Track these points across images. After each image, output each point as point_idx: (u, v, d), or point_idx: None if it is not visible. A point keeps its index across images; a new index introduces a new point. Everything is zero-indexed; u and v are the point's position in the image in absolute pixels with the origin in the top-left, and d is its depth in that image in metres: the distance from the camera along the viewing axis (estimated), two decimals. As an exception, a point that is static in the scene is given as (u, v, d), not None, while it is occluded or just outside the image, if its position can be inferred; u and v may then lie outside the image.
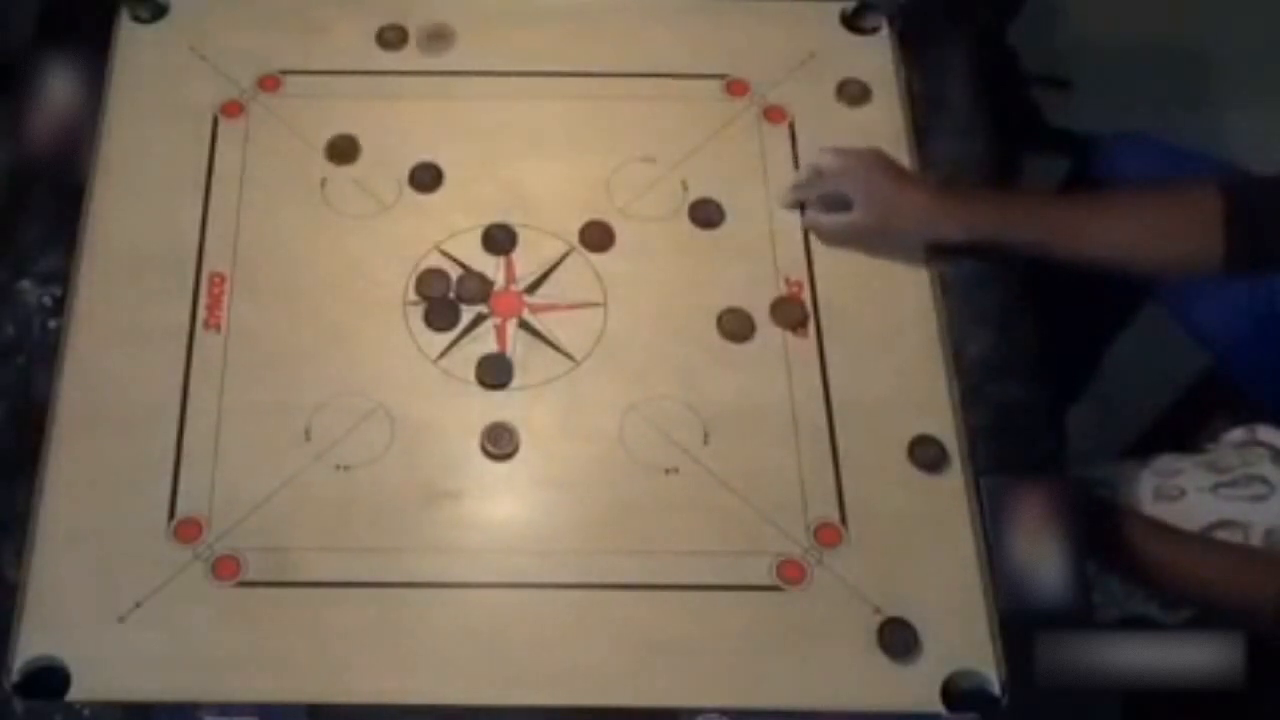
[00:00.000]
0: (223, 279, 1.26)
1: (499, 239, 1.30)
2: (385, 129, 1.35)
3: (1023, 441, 1.21)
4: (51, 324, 1.22)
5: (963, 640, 1.12)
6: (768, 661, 1.11)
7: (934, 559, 1.15)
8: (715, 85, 1.40)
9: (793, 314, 1.27)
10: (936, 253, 1.29)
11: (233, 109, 1.35)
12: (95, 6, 1.41)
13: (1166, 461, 1.36)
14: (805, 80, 1.40)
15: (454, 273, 1.28)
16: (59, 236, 1.27)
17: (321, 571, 1.13)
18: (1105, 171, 1.54)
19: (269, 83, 1.37)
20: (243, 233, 1.29)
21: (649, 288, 1.28)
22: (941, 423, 1.22)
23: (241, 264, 1.27)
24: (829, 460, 1.19)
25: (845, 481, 1.18)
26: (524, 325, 1.26)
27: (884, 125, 1.38)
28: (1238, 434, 1.39)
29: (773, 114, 1.38)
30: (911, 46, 1.42)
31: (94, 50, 1.38)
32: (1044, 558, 1.14)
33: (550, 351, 1.24)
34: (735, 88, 1.40)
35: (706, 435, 1.20)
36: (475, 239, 1.30)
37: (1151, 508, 1.30)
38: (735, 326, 1.26)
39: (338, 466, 1.18)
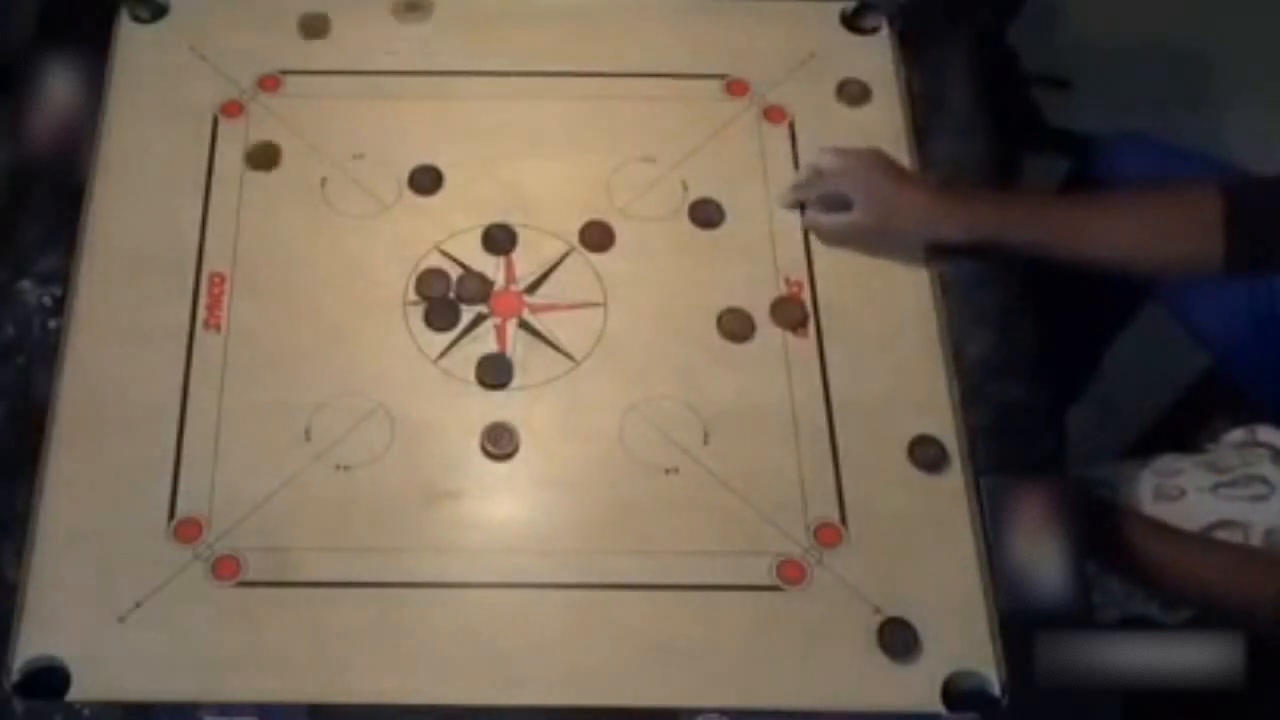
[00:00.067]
0: (223, 279, 1.26)
1: (499, 239, 1.30)
2: (385, 129, 1.35)
3: (1023, 441, 1.21)
4: (51, 324, 1.22)
5: (963, 640, 1.12)
6: (768, 661, 1.11)
7: (934, 559, 1.15)
8: (715, 85, 1.40)
9: (793, 314, 1.27)
10: (936, 253, 1.29)
11: (233, 109, 1.35)
12: (95, 6, 1.41)
13: (1166, 462, 1.36)
14: (805, 80, 1.40)
15: (454, 273, 1.28)
16: (59, 236, 1.27)
17: (321, 571, 1.13)
18: (1105, 171, 1.54)
19: (269, 83, 1.37)
20: (243, 233, 1.29)
21: (649, 288, 1.28)
22: (941, 423, 1.22)
23: (241, 264, 1.27)
24: (829, 460, 1.19)
25: (845, 481, 1.18)
26: (524, 325, 1.26)
27: (884, 125, 1.38)
28: (1238, 434, 1.39)
29: (773, 114, 1.38)
30: (911, 46, 1.42)
31: (94, 50, 1.38)
32: (1044, 558, 1.14)
33: (550, 351, 1.24)
34: (735, 88, 1.40)
35: (706, 435, 1.20)
36: (475, 239, 1.30)
37: (1151, 508, 1.30)
38: (735, 326, 1.26)
39: (338, 466, 1.18)
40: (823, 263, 1.30)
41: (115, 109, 1.35)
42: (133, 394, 1.20)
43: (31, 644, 1.08)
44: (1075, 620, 1.12)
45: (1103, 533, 1.20)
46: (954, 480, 1.19)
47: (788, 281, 1.29)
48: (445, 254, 1.29)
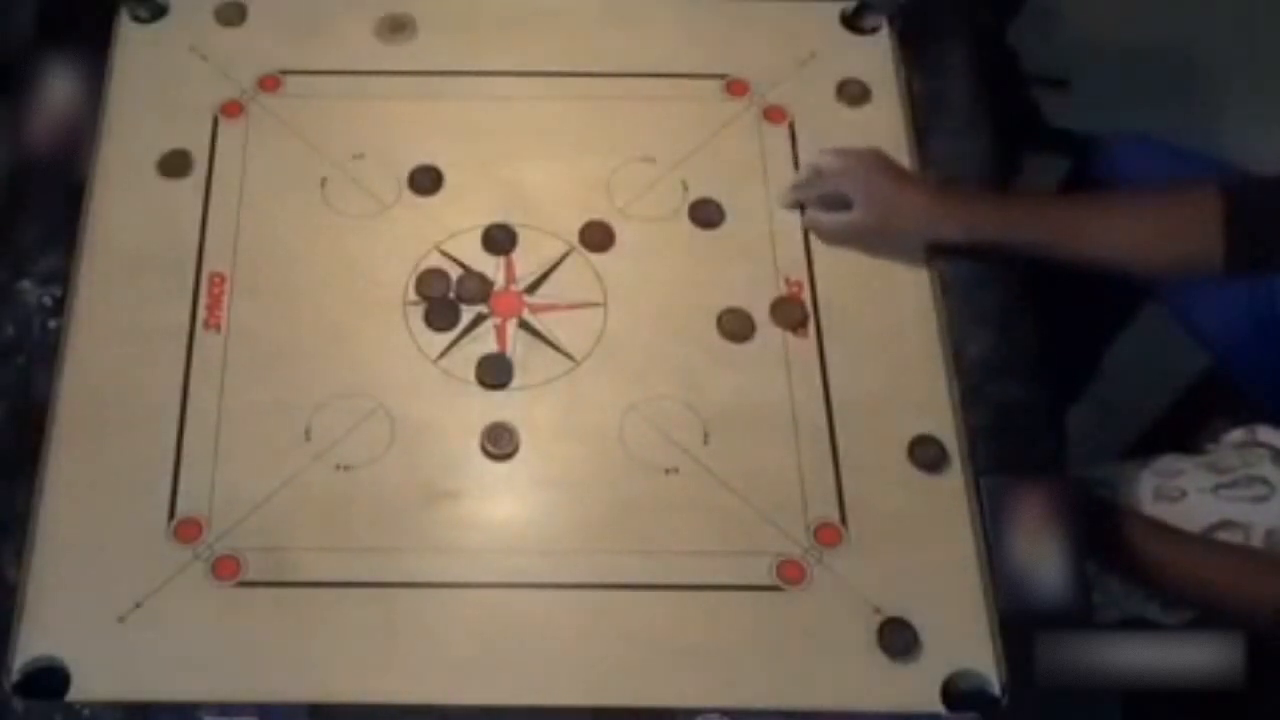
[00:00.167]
0: (223, 279, 1.26)
1: (499, 239, 1.30)
2: (385, 128, 1.35)
3: (1023, 441, 1.21)
4: (51, 324, 1.22)
5: (963, 640, 1.12)
6: (768, 661, 1.11)
7: (934, 559, 1.15)
8: (715, 85, 1.40)
9: (793, 314, 1.27)
10: (936, 253, 1.29)
11: (233, 109, 1.35)
12: (95, 6, 1.41)
13: (1167, 462, 1.36)
14: (805, 80, 1.40)
15: (454, 273, 1.28)
16: (59, 236, 1.27)
17: (321, 571, 1.13)
18: (1105, 171, 1.54)
19: (269, 83, 1.37)
20: (243, 233, 1.29)
21: (649, 288, 1.28)
22: (941, 423, 1.22)
23: (241, 264, 1.27)
24: (829, 460, 1.19)
25: (845, 481, 1.19)
26: (524, 325, 1.26)
27: (884, 125, 1.38)
28: (1238, 435, 1.39)
29: (773, 114, 1.38)
30: (911, 46, 1.42)
31: (94, 50, 1.38)
32: (1044, 558, 1.14)
33: (550, 351, 1.24)
34: (735, 88, 1.40)
35: (706, 435, 1.20)
36: (475, 239, 1.30)
37: (1152, 508, 1.30)
38: (735, 326, 1.26)
39: (338, 466, 1.18)
40: (823, 263, 1.30)
41: (115, 109, 1.35)
42: (133, 394, 1.20)
43: (31, 644, 1.08)
44: (1075, 620, 1.12)
45: (1103, 533, 1.20)
46: (954, 480, 1.19)
47: (788, 281, 1.29)
48: (445, 254, 1.29)
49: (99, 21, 1.40)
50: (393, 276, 1.27)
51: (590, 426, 1.21)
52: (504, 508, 1.18)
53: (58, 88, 1.34)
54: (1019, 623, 1.11)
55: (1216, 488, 1.31)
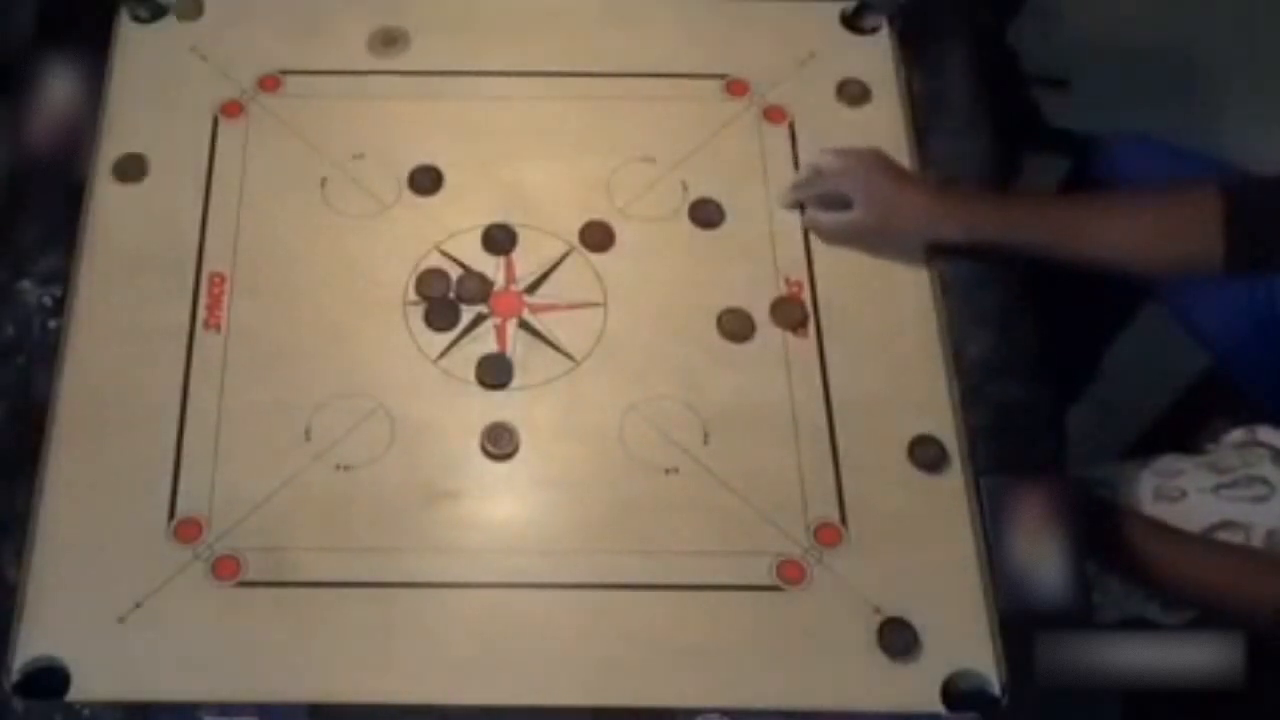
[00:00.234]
0: (223, 279, 1.26)
1: (499, 239, 1.30)
2: (385, 128, 1.35)
3: (1023, 441, 1.21)
4: (51, 324, 1.22)
5: (963, 640, 1.12)
6: (768, 661, 1.11)
7: (934, 559, 1.15)
8: (715, 85, 1.40)
9: (793, 314, 1.27)
10: (936, 253, 1.29)
11: (233, 109, 1.35)
12: (95, 6, 1.41)
13: (1167, 462, 1.36)
14: (805, 80, 1.40)
15: (454, 273, 1.28)
16: (59, 236, 1.27)
17: (321, 571, 1.13)
18: (1105, 171, 1.54)
19: (269, 83, 1.37)
20: (243, 233, 1.29)
21: (649, 288, 1.28)
22: (941, 423, 1.22)
23: (241, 264, 1.27)
24: (829, 460, 1.19)
25: (845, 481, 1.18)
26: (524, 325, 1.26)
27: (884, 125, 1.38)
28: (1238, 435, 1.39)
29: (773, 114, 1.38)
30: (911, 46, 1.42)
31: (94, 50, 1.38)
32: (1044, 558, 1.14)
33: (550, 351, 1.24)
34: (735, 88, 1.40)
35: (706, 435, 1.20)
36: (475, 239, 1.30)
37: (1152, 508, 1.30)
38: (735, 326, 1.26)
39: (338, 466, 1.18)
40: (823, 263, 1.30)
41: (115, 109, 1.35)
42: (133, 394, 1.20)
43: (31, 644, 1.08)
44: (1075, 620, 1.12)
45: (1103, 533, 1.20)
46: (954, 480, 1.19)
47: (788, 281, 1.29)
48: (445, 254, 1.29)
49: (99, 21, 1.40)
50: (393, 276, 1.27)
51: (590, 426, 1.21)
52: (504, 508, 1.18)
53: (58, 88, 1.34)
54: (1019, 623, 1.11)
55: (1217, 488, 1.31)
